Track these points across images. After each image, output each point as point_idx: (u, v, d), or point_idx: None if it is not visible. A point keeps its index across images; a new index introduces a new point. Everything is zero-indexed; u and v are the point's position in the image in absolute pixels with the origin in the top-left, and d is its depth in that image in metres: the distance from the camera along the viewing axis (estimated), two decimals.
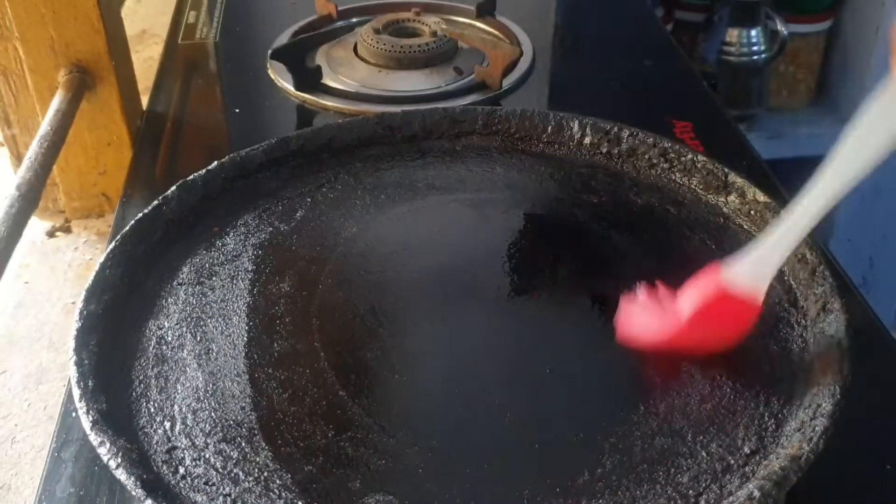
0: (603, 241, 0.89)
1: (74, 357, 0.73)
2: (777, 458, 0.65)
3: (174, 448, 0.70)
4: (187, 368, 0.76)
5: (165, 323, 0.81)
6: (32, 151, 1.02)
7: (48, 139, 1.05)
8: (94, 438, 0.67)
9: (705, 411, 0.72)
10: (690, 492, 0.66)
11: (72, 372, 0.72)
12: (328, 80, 1.27)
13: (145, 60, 1.64)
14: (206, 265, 0.87)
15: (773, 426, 0.70)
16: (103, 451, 0.66)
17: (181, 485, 0.67)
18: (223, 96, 1.33)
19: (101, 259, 0.82)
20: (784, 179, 1.06)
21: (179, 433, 0.71)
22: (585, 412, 0.73)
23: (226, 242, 0.89)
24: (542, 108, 1.04)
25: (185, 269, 0.86)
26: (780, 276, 0.84)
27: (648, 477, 0.67)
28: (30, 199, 0.96)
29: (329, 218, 0.92)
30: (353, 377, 0.75)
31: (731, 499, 0.64)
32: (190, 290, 0.84)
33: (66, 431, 0.80)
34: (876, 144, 0.64)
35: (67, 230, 1.32)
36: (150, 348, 0.78)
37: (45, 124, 1.08)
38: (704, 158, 0.94)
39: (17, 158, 1.30)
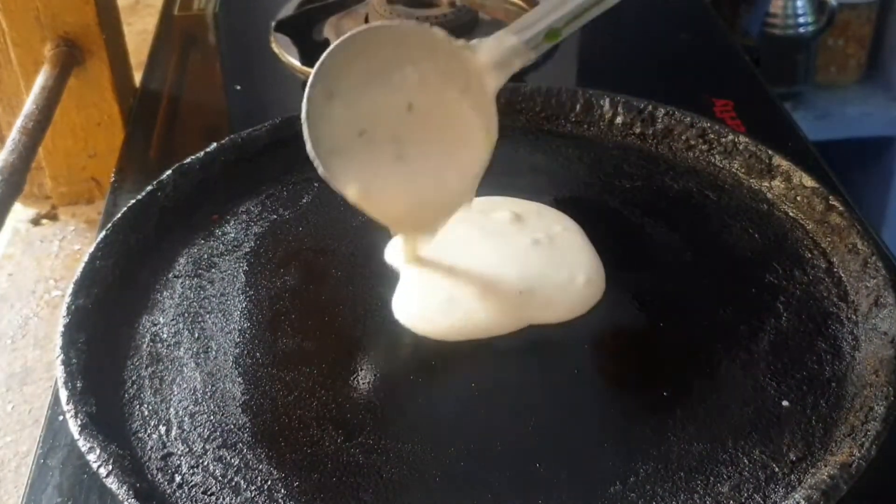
0: (636, 230, 0.89)
1: (62, 356, 0.73)
2: (825, 466, 0.65)
3: (170, 454, 0.70)
4: (184, 368, 0.76)
5: (160, 319, 0.81)
6: (16, 132, 1.03)
7: (33, 119, 1.05)
8: (82, 444, 0.67)
9: (747, 415, 0.72)
10: (731, 502, 0.66)
11: (59, 372, 0.72)
12: None
13: (139, 33, 1.64)
14: (205, 256, 0.87)
15: (822, 431, 0.70)
16: (93, 458, 0.66)
17: (177, 494, 0.67)
18: (223, 72, 1.33)
19: (91, 249, 0.82)
20: (833, 162, 1.05)
21: (175, 438, 0.71)
22: (617, 416, 0.73)
23: (226, 231, 0.89)
24: (569, 85, 1.04)
25: (182, 261, 0.86)
26: (828, 267, 0.83)
27: (685, 486, 0.67)
28: (13, 184, 0.96)
29: (337, 204, 0.92)
30: (364, 378, 0.75)
31: None
32: (187, 283, 0.84)
33: (52, 436, 0.80)
34: None
35: (54, 218, 1.32)
36: (144, 346, 0.78)
37: (29, 102, 1.08)
38: (746, 139, 0.94)
39: (0, 140, 1.31)
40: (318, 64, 0.72)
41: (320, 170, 0.74)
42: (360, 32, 0.73)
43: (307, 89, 0.73)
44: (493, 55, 0.74)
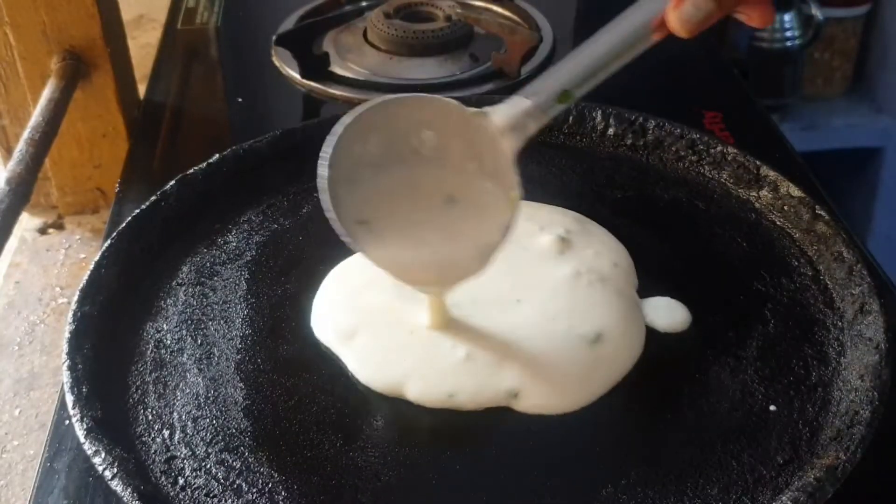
0: (627, 239, 0.89)
1: (68, 361, 0.73)
2: (812, 469, 0.65)
3: (173, 458, 0.70)
4: (187, 373, 0.77)
5: (164, 325, 0.81)
6: (23, 143, 1.03)
7: (40, 130, 1.05)
8: (88, 447, 0.67)
9: (735, 419, 0.72)
10: None
11: (65, 377, 0.72)
12: (336, 68, 1.27)
13: (143, 47, 1.64)
14: (207, 264, 0.87)
15: (808, 435, 0.70)
16: (98, 461, 0.66)
17: (181, 496, 0.67)
18: (225, 85, 1.34)
19: (96, 258, 0.83)
20: (819, 172, 1.05)
21: (179, 442, 0.71)
22: (608, 420, 0.73)
23: (228, 240, 0.90)
24: None
25: (185, 269, 0.87)
26: (814, 275, 0.84)
27: (675, 489, 0.67)
28: (20, 194, 0.96)
29: None
30: (363, 384, 0.75)
31: None
32: (190, 290, 0.84)
33: (58, 440, 0.80)
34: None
35: (60, 227, 1.32)
36: (148, 352, 0.79)
37: (36, 114, 1.08)
38: (735, 151, 0.94)
39: (7, 151, 1.31)
40: (331, 147, 0.72)
41: (347, 240, 0.73)
42: (369, 110, 0.73)
43: (323, 170, 0.72)
44: (507, 119, 0.73)
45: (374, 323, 0.79)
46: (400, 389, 0.74)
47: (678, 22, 0.71)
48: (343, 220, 0.72)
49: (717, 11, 0.70)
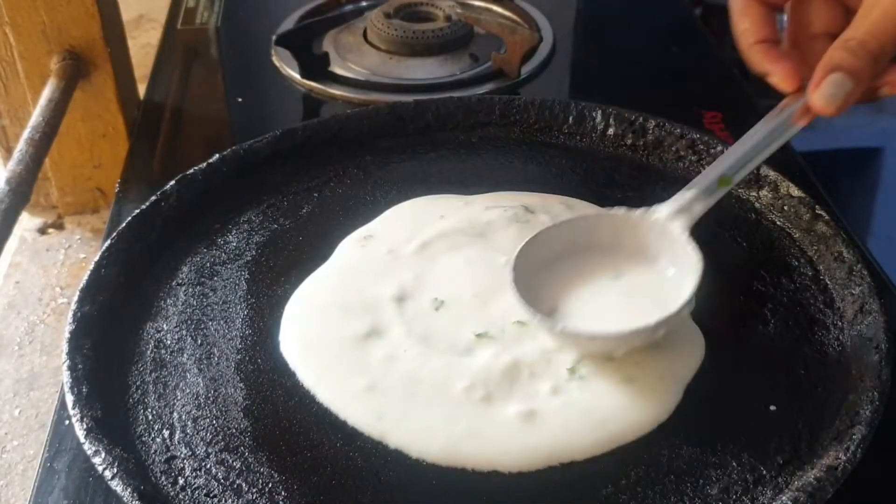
0: None
1: (68, 361, 0.73)
2: (812, 469, 0.65)
3: (173, 458, 0.70)
4: (187, 373, 0.77)
5: (164, 325, 0.81)
6: (23, 143, 1.03)
7: (40, 130, 1.05)
8: (88, 447, 0.67)
9: (735, 419, 0.72)
10: None
11: (65, 377, 0.72)
12: (336, 68, 1.27)
13: (142, 47, 1.64)
14: (207, 264, 0.87)
15: (808, 435, 0.70)
16: (98, 461, 0.66)
17: (181, 496, 0.67)
18: (225, 85, 1.33)
19: (96, 257, 0.82)
20: (819, 172, 1.05)
21: (179, 442, 0.71)
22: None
23: (228, 240, 0.90)
24: (562, 98, 1.04)
25: (185, 269, 0.87)
26: (814, 275, 0.84)
27: (675, 489, 0.67)
28: (20, 194, 0.96)
29: (336, 215, 0.92)
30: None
31: None
32: (190, 290, 0.84)
33: (58, 440, 0.80)
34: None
35: (60, 227, 1.32)
36: (148, 352, 0.78)
37: (36, 114, 1.08)
38: None
39: (7, 151, 1.31)
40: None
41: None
42: (541, 233, 0.81)
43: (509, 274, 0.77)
44: (673, 206, 0.81)
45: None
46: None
47: (821, 101, 0.75)
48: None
49: (857, 90, 0.74)
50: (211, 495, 0.67)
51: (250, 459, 0.70)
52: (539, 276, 0.79)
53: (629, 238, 0.82)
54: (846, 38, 0.74)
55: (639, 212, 0.81)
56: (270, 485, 0.68)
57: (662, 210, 0.81)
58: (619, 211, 0.82)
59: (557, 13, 1.40)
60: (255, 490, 0.67)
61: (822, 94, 0.74)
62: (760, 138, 0.82)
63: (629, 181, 0.96)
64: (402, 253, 0.85)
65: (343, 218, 0.91)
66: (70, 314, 0.77)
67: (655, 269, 0.81)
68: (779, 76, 0.79)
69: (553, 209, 0.89)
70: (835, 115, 0.75)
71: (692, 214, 0.80)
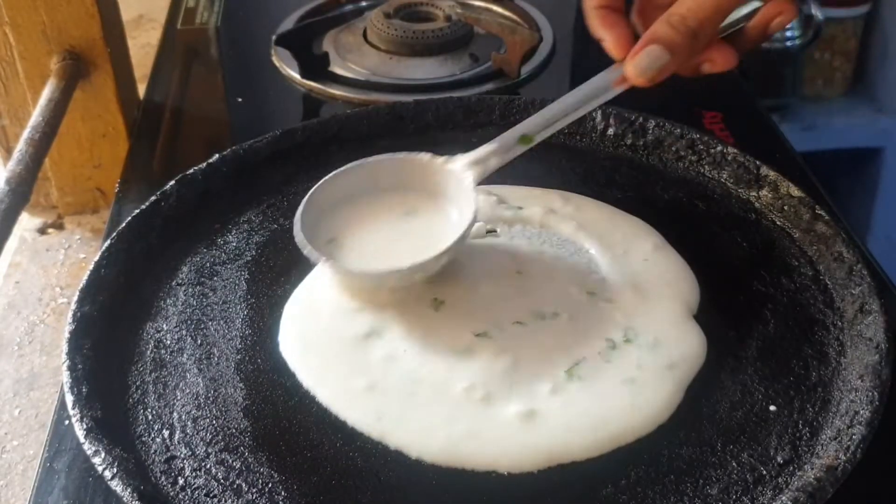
0: None
1: (67, 361, 0.73)
2: (812, 469, 0.65)
3: (173, 458, 0.70)
4: (187, 374, 0.77)
5: (164, 325, 0.81)
6: (23, 143, 1.03)
7: (40, 130, 1.05)
8: (88, 447, 0.67)
9: (735, 419, 0.72)
10: None
11: (65, 377, 0.72)
12: (336, 68, 1.27)
13: (142, 47, 1.64)
14: (207, 264, 0.87)
15: (808, 434, 0.70)
16: (98, 461, 0.66)
17: (180, 496, 0.67)
18: (225, 85, 1.33)
19: (96, 258, 0.83)
20: (819, 172, 1.05)
21: (179, 442, 0.71)
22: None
23: (227, 240, 0.90)
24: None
25: (185, 269, 0.87)
26: (814, 275, 0.84)
27: (675, 489, 0.67)
28: (20, 194, 0.96)
29: None
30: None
31: None
32: (190, 290, 0.84)
33: (58, 440, 0.80)
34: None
35: (60, 227, 1.32)
36: (148, 352, 0.79)
37: (36, 114, 1.08)
38: (735, 150, 0.94)
39: (7, 150, 1.31)
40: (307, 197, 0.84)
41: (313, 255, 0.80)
42: (343, 170, 0.86)
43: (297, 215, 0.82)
44: (471, 157, 0.84)
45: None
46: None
47: (635, 70, 0.78)
48: (314, 242, 0.80)
49: (672, 64, 0.77)
50: (211, 495, 0.67)
51: (250, 459, 0.70)
52: (333, 211, 0.84)
53: (428, 182, 0.85)
54: (670, 13, 0.77)
55: (441, 159, 0.85)
56: (270, 485, 0.68)
57: (461, 160, 0.84)
58: (424, 156, 0.86)
59: (557, 13, 1.40)
60: (255, 490, 0.67)
61: (637, 64, 0.78)
62: (572, 101, 0.84)
63: (629, 181, 0.96)
64: None
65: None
66: (70, 314, 0.77)
67: (443, 213, 0.84)
68: (610, 42, 0.82)
69: (553, 204, 0.91)
70: (647, 86, 0.79)
71: (486, 167, 0.83)
